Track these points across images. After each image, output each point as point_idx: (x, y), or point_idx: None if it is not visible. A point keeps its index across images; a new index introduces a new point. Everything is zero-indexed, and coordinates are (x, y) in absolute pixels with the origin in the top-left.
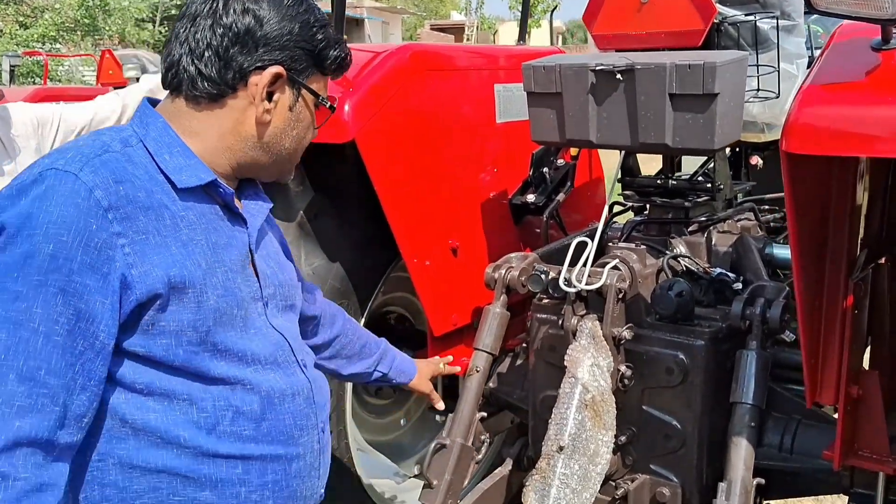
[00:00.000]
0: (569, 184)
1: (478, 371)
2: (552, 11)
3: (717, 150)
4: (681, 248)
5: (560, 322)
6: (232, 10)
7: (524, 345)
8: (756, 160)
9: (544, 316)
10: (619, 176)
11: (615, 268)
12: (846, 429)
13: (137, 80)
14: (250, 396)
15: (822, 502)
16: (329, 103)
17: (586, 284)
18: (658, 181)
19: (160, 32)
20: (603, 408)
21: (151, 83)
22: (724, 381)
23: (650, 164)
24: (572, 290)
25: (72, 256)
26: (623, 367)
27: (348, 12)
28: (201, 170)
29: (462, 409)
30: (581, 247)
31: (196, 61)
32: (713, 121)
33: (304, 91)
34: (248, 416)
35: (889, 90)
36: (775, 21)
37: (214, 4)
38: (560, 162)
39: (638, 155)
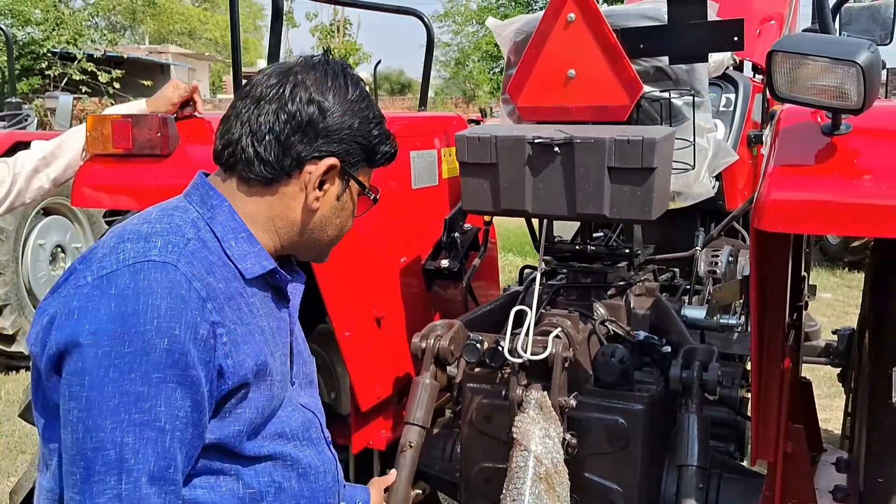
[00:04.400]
0: (482, 248)
1: (411, 446)
2: (376, 66)
3: (653, 219)
4: (601, 312)
5: (503, 392)
6: (298, 99)
7: (450, 413)
8: None
9: (477, 385)
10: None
11: (558, 336)
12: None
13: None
14: (289, 472)
15: None
16: (373, 195)
17: (532, 354)
18: (577, 246)
19: None
20: (556, 479)
21: (44, 149)
22: (659, 443)
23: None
24: (518, 360)
25: (186, 350)
26: (568, 436)
27: (152, 58)
28: (263, 257)
29: (397, 487)
30: (520, 315)
31: (256, 144)
32: (650, 192)
33: (352, 182)
34: (288, 492)
35: (849, 174)
36: (691, 98)
37: (281, 90)
38: (467, 226)
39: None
